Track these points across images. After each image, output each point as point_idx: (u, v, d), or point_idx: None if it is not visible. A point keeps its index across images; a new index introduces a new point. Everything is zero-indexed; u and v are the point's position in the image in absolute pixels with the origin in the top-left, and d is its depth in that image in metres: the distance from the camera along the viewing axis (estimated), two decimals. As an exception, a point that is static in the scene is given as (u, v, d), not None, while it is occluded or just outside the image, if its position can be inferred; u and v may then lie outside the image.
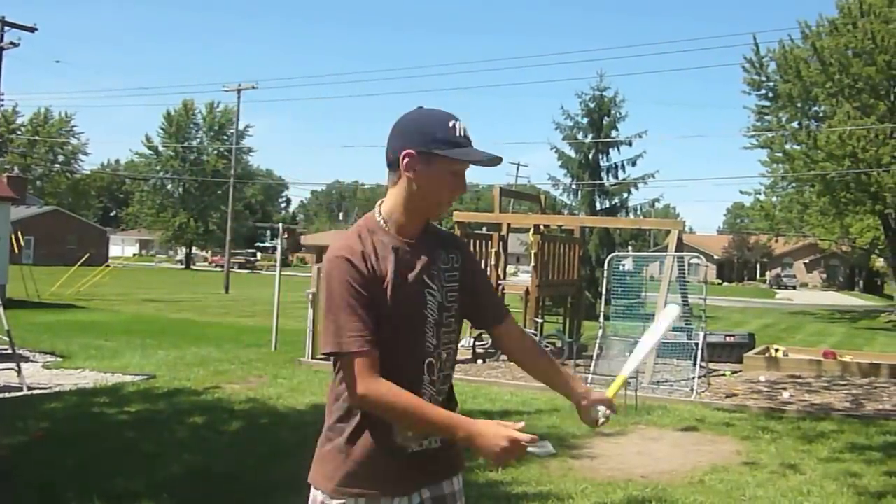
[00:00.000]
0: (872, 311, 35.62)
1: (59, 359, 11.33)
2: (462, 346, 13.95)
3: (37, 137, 67.56)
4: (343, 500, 2.08)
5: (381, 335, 2.01)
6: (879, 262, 48.34)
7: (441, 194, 2.08)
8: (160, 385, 9.33)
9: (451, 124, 2.06)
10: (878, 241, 32.92)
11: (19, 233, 23.41)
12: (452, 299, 2.13)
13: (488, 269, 14.44)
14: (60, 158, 72.79)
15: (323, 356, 2.21)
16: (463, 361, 12.68)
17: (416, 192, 2.06)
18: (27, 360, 10.78)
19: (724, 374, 12.33)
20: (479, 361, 12.73)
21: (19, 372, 8.75)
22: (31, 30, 26.72)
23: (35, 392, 8.68)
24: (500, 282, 14.55)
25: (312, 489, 2.13)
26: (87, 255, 34.23)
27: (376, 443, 2.05)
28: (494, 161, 2.11)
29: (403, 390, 1.99)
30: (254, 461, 6.08)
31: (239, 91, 38.59)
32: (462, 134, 2.06)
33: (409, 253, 2.08)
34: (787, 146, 27.64)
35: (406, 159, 2.03)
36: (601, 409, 2.19)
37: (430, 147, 2.02)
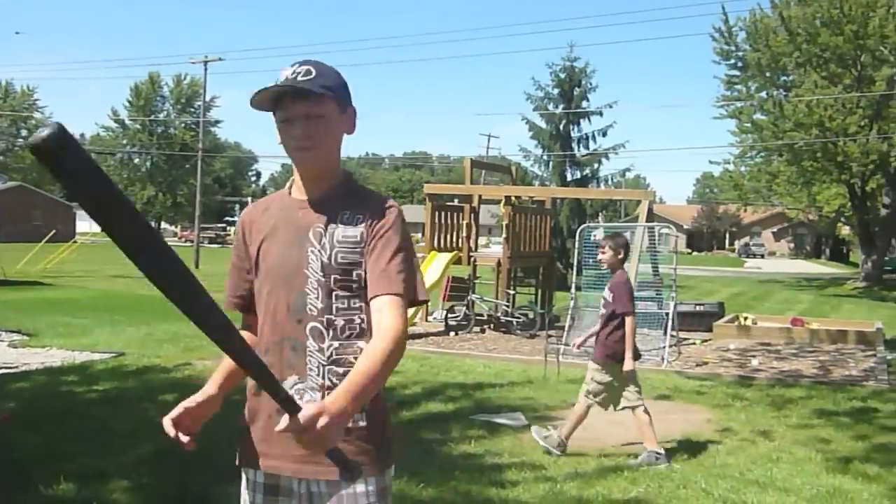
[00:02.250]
0: (839, 279, 36.19)
1: (25, 337, 11.16)
2: (434, 318, 13.96)
3: (-1, 112, 66.25)
4: (246, 476, 2.08)
5: (261, 295, 2.02)
6: (845, 230, 49.13)
7: (283, 142, 1.98)
8: (130, 363, 9.22)
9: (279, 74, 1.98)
10: (844, 210, 33.43)
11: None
12: (346, 261, 1.93)
13: (459, 241, 14.42)
14: (24, 133, 71.41)
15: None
16: (436, 334, 12.69)
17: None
18: (-7, 339, 10.61)
19: (694, 343, 12.46)
20: (452, 334, 12.73)
21: (-16, 351, 8.60)
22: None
23: (1, 372, 8.55)
24: (471, 254, 14.55)
25: None
26: (54, 231, 33.75)
27: (260, 413, 2.02)
28: (282, 84, 1.91)
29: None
30: (226, 438, 6.02)
31: (205, 63, 38.00)
32: (277, 80, 1.94)
33: (299, 211, 1.99)
34: (756, 116, 27.84)
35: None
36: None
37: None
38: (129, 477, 4.99)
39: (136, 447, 5.68)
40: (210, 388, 2.07)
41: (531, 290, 16.04)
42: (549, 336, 10.46)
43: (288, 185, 2.09)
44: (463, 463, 5.58)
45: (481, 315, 13.89)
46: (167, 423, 1.92)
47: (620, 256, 6.10)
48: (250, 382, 2.02)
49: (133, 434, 6.06)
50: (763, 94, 28.33)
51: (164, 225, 71.19)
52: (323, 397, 1.86)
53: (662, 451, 5.77)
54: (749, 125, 28.22)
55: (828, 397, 8.34)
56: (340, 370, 1.92)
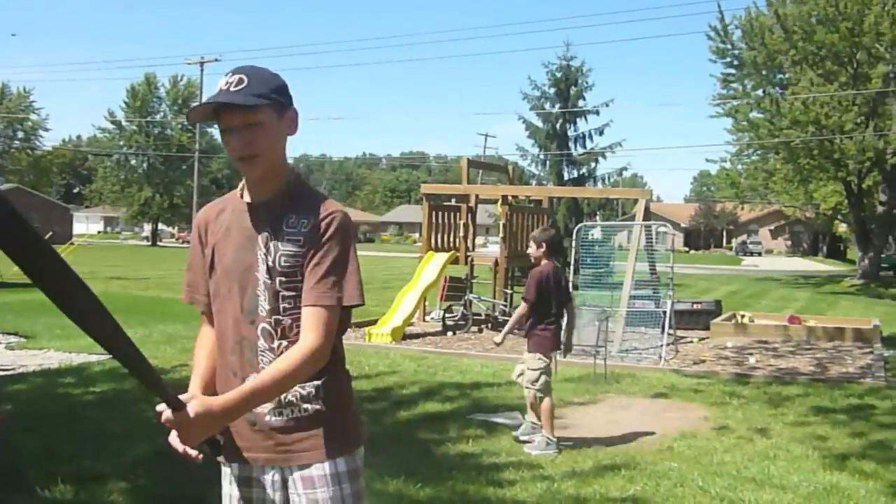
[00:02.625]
0: (835, 276, 36.22)
1: (22, 339, 11.15)
2: (431, 318, 13.96)
3: (-6, 113, 66.07)
4: (223, 469, 2.15)
5: (218, 296, 2.09)
6: (842, 228, 49.13)
7: (228, 154, 2.04)
8: (127, 364, 9.20)
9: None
10: (840, 207, 33.47)
11: (-21, 212, 22.87)
12: (289, 265, 1.99)
13: (456, 240, 14.42)
14: (20, 135, 71.27)
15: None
16: (433, 333, 12.69)
17: None
18: (-11, 341, 10.59)
19: (691, 341, 12.47)
20: (449, 333, 12.74)
21: (-19, 354, 8.59)
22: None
23: (-2, 374, 8.53)
24: (469, 253, 14.55)
25: None
26: (51, 233, 33.62)
27: None
28: (214, 100, 1.95)
29: (205, 346, 2.14)
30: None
31: (202, 64, 38.08)
32: (215, 90, 1.98)
33: (249, 214, 2.05)
34: (752, 114, 27.86)
35: None
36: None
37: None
38: (126, 478, 4.99)
39: (133, 448, 5.67)
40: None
41: (528, 290, 16.01)
42: (547, 335, 10.45)
43: (240, 186, 2.13)
44: (460, 462, 5.59)
45: (479, 315, 13.89)
46: (176, 442, 1.93)
47: (543, 250, 6.44)
48: (219, 380, 2.10)
49: (130, 435, 6.06)
50: (759, 92, 28.35)
51: (161, 226, 71.09)
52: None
53: (555, 439, 5.96)
54: (745, 123, 28.23)
55: (825, 394, 8.35)
56: None
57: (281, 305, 2.01)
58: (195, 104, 1.98)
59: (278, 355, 1.99)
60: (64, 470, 5.02)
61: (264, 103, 1.96)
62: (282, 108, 2.01)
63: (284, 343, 2.01)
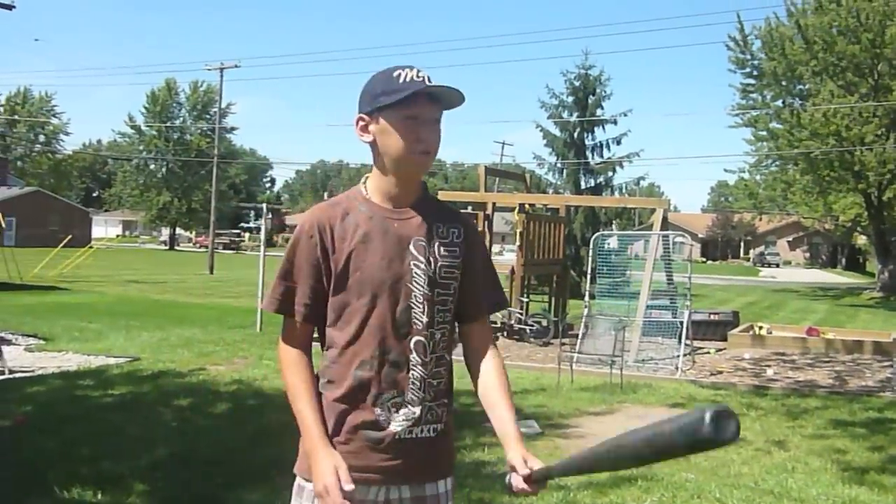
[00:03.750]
0: (855, 289, 35.92)
1: (41, 341, 11.22)
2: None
3: (16, 117, 66.75)
4: (304, 483, 1.98)
5: (352, 306, 1.93)
6: (862, 240, 48.73)
7: (400, 147, 1.91)
8: (144, 367, 9.27)
9: (395, 74, 1.91)
10: (860, 219, 33.18)
11: (0, 214, 23.14)
12: (448, 276, 1.96)
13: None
14: (41, 139, 71.98)
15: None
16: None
17: (381, 156, 1.96)
18: (9, 342, 10.67)
19: (708, 352, 12.40)
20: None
21: (1, 355, 8.66)
22: (9, 7, 26.24)
23: (17, 375, 8.59)
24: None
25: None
26: (70, 236, 34.00)
27: (351, 421, 1.94)
28: (439, 89, 1.89)
29: (303, 367, 1.96)
30: (240, 443, 6.05)
31: (221, 70, 38.22)
32: (407, 80, 1.88)
33: (393, 222, 1.95)
34: (772, 125, 27.71)
35: (358, 126, 1.97)
36: (515, 481, 1.93)
37: (375, 104, 1.92)
38: (144, 481, 5.02)
39: (151, 451, 5.71)
40: (331, 449, 1.94)
41: (545, 298, 16.00)
42: (563, 344, 10.45)
43: (363, 189, 2.01)
44: (475, 470, 5.58)
45: (494, 322, 13.88)
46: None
47: None
48: (336, 392, 1.96)
49: (148, 438, 6.10)
50: (779, 102, 28.19)
51: (179, 231, 71.52)
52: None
53: None
54: (765, 134, 28.08)
55: (843, 408, 8.28)
56: (435, 382, 1.99)
57: (436, 318, 1.96)
58: (412, 86, 1.87)
59: (429, 371, 1.96)
60: (83, 471, 5.06)
61: (463, 100, 1.94)
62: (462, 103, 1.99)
63: (434, 357, 1.97)
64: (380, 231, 1.94)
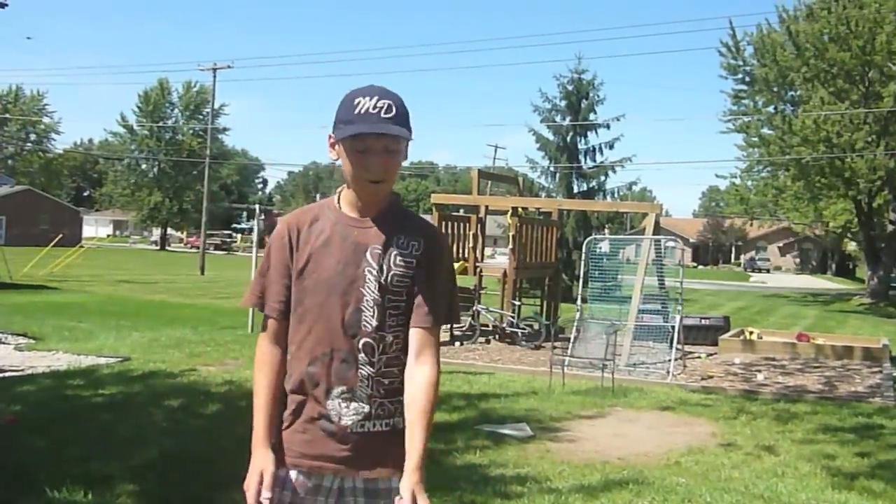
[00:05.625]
0: (844, 294, 36.08)
1: (31, 341, 11.19)
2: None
3: (7, 116, 66.46)
4: (283, 470, 2.11)
5: (307, 305, 2.07)
6: (851, 246, 49.00)
7: (351, 173, 2.04)
8: (135, 367, 9.24)
9: (356, 101, 2.01)
10: (850, 225, 33.35)
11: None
12: (400, 284, 2.05)
13: (465, 251, 14.44)
14: (32, 137, 71.66)
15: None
16: (441, 344, 12.66)
17: (345, 172, 2.08)
18: (-1, 341, 10.64)
19: (699, 357, 12.44)
20: (457, 344, 12.73)
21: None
22: (2, 5, 26.18)
23: (7, 374, 8.57)
24: (477, 264, 14.55)
25: None
26: (61, 235, 33.80)
27: (307, 412, 2.08)
28: (377, 130, 1.99)
29: (270, 365, 2.10)
30: (231, 444, 6.03)
31: (214, 70, 38.18)
32: (362, 111, 1.99)
33: (354, 230, 2.07)
34: (763, 130, 27.83)
35: (328, 143, 2.11)
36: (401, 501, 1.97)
37: (335, 128, 2.05)
38: (134, 481, 5.00)
39: (142, 451, 5.69)
40: (268, 451, 2.09)
41: (537, 302, 16.03)
42: (555, 347, 10.46)
43: (336, 198, 2.15)
44: (467, 473, 5.58)
45: (486, 326, 13.90)
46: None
47: None
48: (290, 385, 2.10)
49: (138, 438, 6.08)
50: (770, 108, 28.30)
51: (170, 231, 71.34)
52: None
53: None
54: (756, 140, 28.19)
55: (833, 413, 8.32)
56: (386, 381, 2.08)
57: (387, 322, 2.06)
58: (358, 132, 2.00)
59: (377, 369, 2.06)
60: (73, 471, 5.04)
61: (409, 137, 2.06)
62: (409, 139, 2.10)
63: (384, 358, 2.07)
64: (340, 237, 2.08)
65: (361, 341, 2.04)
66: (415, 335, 2.07)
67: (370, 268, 2.05)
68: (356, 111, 2.00)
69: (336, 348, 2.04)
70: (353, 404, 2.05)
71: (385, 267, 2.05)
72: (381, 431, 2.07)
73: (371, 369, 2.05)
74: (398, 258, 2.06)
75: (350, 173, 2.05)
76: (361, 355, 2.04)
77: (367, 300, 2.04)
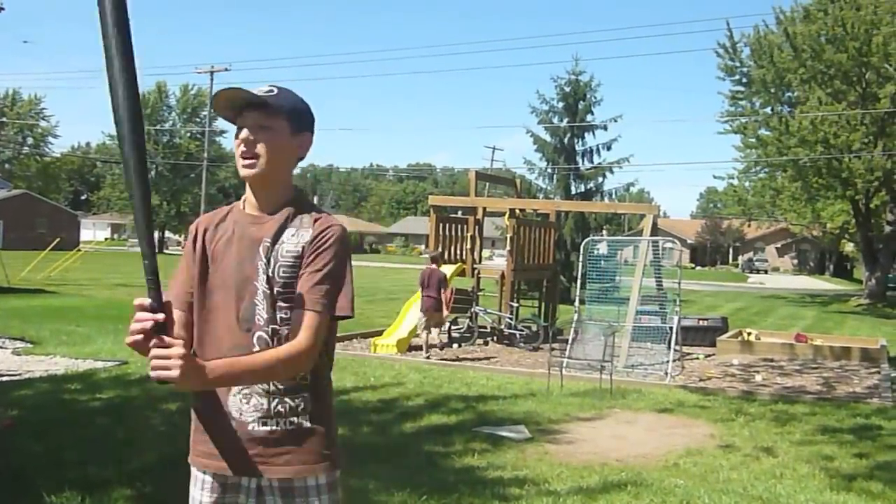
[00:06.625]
0: (843, 295, 36.09)
1: (29, 345, 11.16)
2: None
3: (4, 120, 66.41)
4: (195, 473, 2.15)
5: (208, 304, 2.09)
6: (849, 247, 48.98)
7: (236, 156, 2.11)
8: (133, 371, 9.22)
9: None
10: (848, 226, 33.35)
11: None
12: (287, 275, 2.05)
13: (463, 253, 14.43)
14: (30, 141, 71.58)
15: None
16: (442, 346, 12.65)
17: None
18: (-4, 346, 10.61)
19: (697, 358, 12.43)
20: (455, 346, 12.73)
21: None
22: (-2, 9, 26.14)
23: (4, 379, 8.55)
24: (475, 266, 14.55)
25: None
26: (58, 239, 33.80)
27: (211, 410, 2.08)
28: (243, 96, 2.05)
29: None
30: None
31: (212, 73, 38.21)
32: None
33: (251, 226, 2.10)
34: (761, 131, 27.83)
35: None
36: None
37: None
38: (131, 485, 4.99)
39: (139, 456, 5.68)
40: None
41: (535, 303, 16.03)
42: (553, 349, 10.46)
43: (243, 199, 2.19)
44: (465, 476, 5.57)
45: (484, 327, 13.89)
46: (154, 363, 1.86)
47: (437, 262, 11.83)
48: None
49: (136, 442, 6.07)
50: (768, 110, 28.30)
51: (167, 234, 71.27)
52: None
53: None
54: (753, 141, 28.19)
55: (831, 414, 8.32)
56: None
57: (278, 315, 2.05)
58: (224, 88, 2.01)
59: None
60: (70, 476, 5.03)
61: (282, 112, 2.07)
62: (297, 127, 2.11)
63: None
64: (238, 235, 2.11)
65: (256, 335, 2.05)
66: (295, 318, 2.03)
67: (261, 261, 2.06)
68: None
69: (234, 344, 2.04)
70: (253, 401, 2.05)
71: (272, 259, 2.06)
72: (286, 430, 2.06)
73: None
74: (285, 250, 2.06)
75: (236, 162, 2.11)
76: (256, 349, 2.03)
77: (259, 294, 2.05)
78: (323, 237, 2.07)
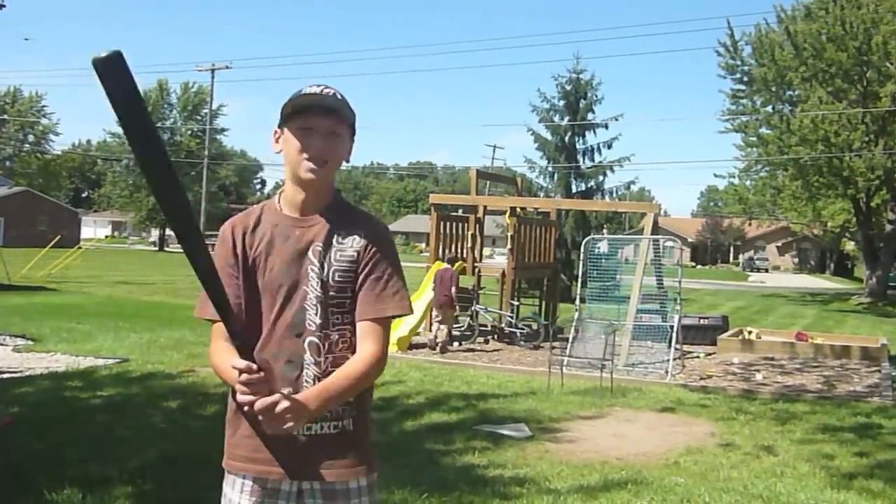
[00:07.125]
0: (843, 294, 36.08)
1: (29, 342, 11.17)
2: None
3: (5, 117, 66.42)
4: (233, 477, 2.12)
5: (252, 309, 2.06)
6: (850, 245, 49.00)
7: (294, 157, 2.03)
8: (133, 368, 9.23)
9: (301, 90, 2.06)
10: (848, 225, 33.36)
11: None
12: (342, 280, 2.04)
13: (464, 251, 14.43)
14: (31, 138, 71.58)
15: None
16: (442, 346, 12.66)
17: (286, 166, 2.08)
18: (-3, 343, 10.62)
19: (698, 357, 12.43)
20: (456, 344, 12.72)
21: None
22: (-1, 7, 26.14)
23: (5, 376, 8.55)
24: (476, 264, 14.55)
25: None
26: (59, 236, 33.82)
27: (251, 417, 2.02)
28: (321, 103, 2.02)
29: (224, 352, 2.00)
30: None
31: (213, 71, 38.22)
32: (308, 93, 2.04)
33: (295, 228, 2.07)
34: (761, 130, 27.82)
35: (273, 137, 2.11)
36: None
37: (282, 117, 2.07)
38: (132, 483, 4.99)
39: (140, 453, 5.68)
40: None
41: (535, 302, 16.02)
42: (553, 348, 10.46)
43: (276, 200, 2.14)
44: (466, 474, 5.58)
45: (485, 326, 13.89)
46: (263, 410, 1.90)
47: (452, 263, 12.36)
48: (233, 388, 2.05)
49: (136, 440, 6.08)
50: (769, 108, 28.30)
51: (168, 232, 71.22)
52: None
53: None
54: (754, 139, 28.18)
55: (832, 413, 8.32)
56: None
57: (331, 320, 2.05)
58: (306, 92, 2.02)
59: (323, 370, 2.03)
60: (71, 473, 5.03)
61: (348, 120, 2.07)
62: (352, 135, 2.11)
63: (330, 357, 2.05)
64: (282, 238, 2.07)
65: (307, 340, 2.03)
66: (360, 328, 2.05)
67: (312, 266, 2.04)
68: (301, 94, 2.04)
69: (282, 349, 2.03)
70: None
71: (326, 264, 2.04)
72: (330, 434, 2.05)
73: (317, 369, 2.03)
74: (339, 254, 2.05)
75: (292, 161, 2.04)
76: (307, 355, 2.03)
77: (310, 298, 2.03)
78: (378, 242, 2.08)
